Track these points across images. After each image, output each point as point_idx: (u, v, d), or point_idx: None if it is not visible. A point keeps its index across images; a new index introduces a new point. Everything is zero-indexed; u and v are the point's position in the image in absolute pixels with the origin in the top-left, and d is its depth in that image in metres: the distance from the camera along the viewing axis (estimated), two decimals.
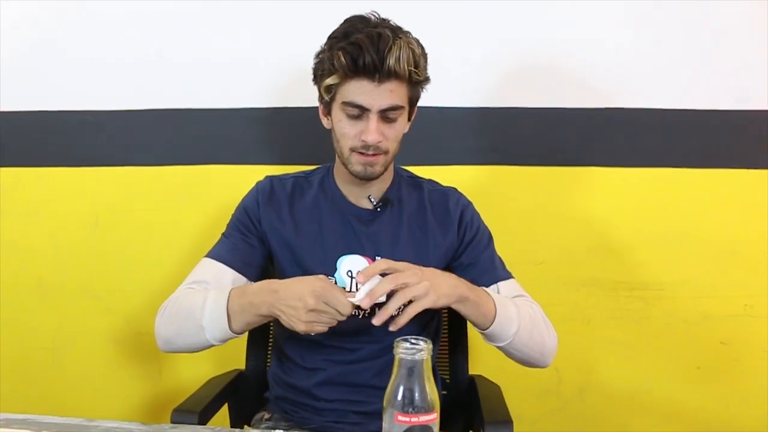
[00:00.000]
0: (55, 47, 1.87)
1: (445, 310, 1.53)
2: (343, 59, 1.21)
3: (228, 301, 1.21)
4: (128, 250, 1.93)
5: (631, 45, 1.77)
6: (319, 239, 1.36)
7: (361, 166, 1.30)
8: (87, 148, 1.91)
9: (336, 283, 1.32)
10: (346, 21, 1.28)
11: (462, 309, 1.21)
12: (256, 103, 1.84)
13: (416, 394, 0.83)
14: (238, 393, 1.45)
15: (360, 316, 1.32)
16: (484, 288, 1.31)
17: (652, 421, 1.87)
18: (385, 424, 0.84)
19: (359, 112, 1.26)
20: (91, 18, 1.86)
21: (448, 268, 1.42)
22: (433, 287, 1.14)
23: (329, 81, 1.26)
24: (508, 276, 1.42)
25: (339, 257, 1.34)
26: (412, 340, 0.84)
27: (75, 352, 1.98)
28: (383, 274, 1.14)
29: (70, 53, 1.87)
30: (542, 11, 1.76)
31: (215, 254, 1.37)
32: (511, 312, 1.27)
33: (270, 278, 1.26)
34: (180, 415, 1.24)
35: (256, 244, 1.38)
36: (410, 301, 1.13)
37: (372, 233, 1.37)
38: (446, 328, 1.57)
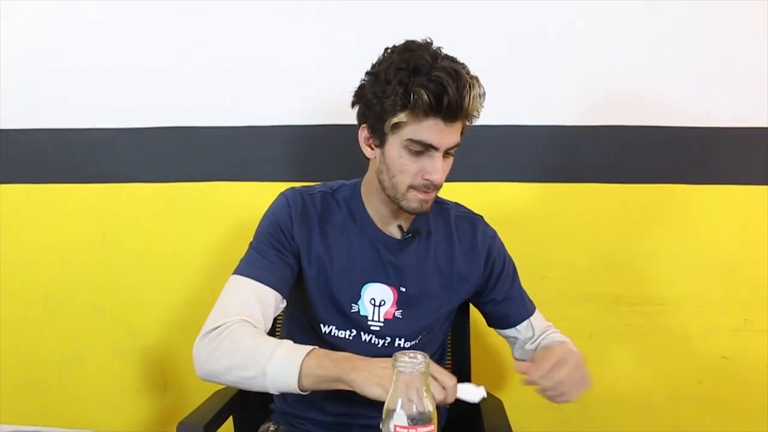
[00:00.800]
0: (64, 66, 1.90)
1: (449, 336, 1.56)
2: (425, 97, 1.16)
3: (307, 354, 1.13)
4: (134, 266, 1.96)
5: (632, 64, 1.79)
6: (347, 264, 1.33)
7: (418, 202, 1.26)
8: (95, 165, 1.93)
9: (359, 311, 1.33)
10: (408, 50, 1.21)
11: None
12: (264, 121, 1.86)
13: (414, 406, 0.85)
14: (243, 405, 1.46)
15: (379, 346, 1.35)
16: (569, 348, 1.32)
17: None
18: None
19: (424, 149, 1.22)
20: (101, 36, 1.89)
21: (475, 300, 1.47)
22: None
23: (398, 118, 1.19)
24: (534, 307, 1.47)
25: (364, 284, 1.34)
26: (411, 354, 0.86)
27: (81, 365, 2.00)
28: None
29: (79, 72, 1.90)
30: (546, 29, 1.79)
31: (253, 274, 1.28)
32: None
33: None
34: (185, 428, 1.25)
35: (292, 261, 1.32)
36: None
37: (399, 263, 1.35)
38: (450, 344, 1.58)
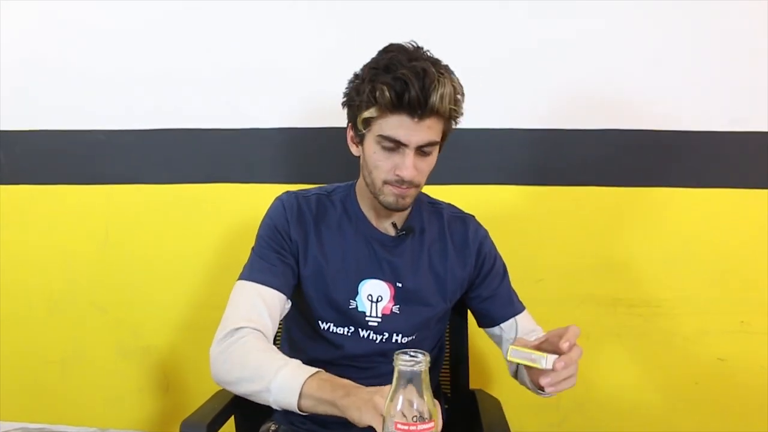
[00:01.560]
0: (67, 68, 1.92)
1: (448, 326, 1.57)
2: (387, 94, 1.20)
3: (309, 377, 1.13)
4: (137, 266, 1.97)
5: (629, 68, 1.80)
6: (342, 262, 1.37)
7: (394, 197, 1.29)
8: (98, 167, 1.95)
9: (357, 307, 1.35)
10: (387, 51, 1.26)
11: None
12: (267, 123, 1.88)
13: (415, 404, 0.86)
14: (244, 405, 1.47)
15: (377, 342, 1.36)
16: None
17: None
18: None
19: (395, 146, 1.25)
20: (104, 39, 1.91)
21: (464, 297, 1.47)
22: None
23: (368, 114, 1.24)
24: (523, 307, 1.48)
25: (361, 281, 1.36)
26: (411, 353, 0.88)
27: (84, 364, 2.02)
28: None
29: (82, 74, 1.92)
30: (542, 34, 1.81)
31: (257, 278, 1.32)
32: None
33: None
34: (189, 426, 1.27)
35: (292, 262, 1.36)
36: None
37: (393, 260, 1.38)
38: (448, 344, 1.60)
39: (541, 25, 1.81)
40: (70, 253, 1.99)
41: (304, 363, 1.18)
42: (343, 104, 1.32)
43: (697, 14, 1.78)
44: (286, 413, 1.41)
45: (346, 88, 1.31)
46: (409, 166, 1.25)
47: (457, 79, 1.27)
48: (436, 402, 0.90)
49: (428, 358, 0.88)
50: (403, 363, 0.87)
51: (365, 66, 1.27)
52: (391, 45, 1.28)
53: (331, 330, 1.37)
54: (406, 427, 0.85)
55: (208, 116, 1.90)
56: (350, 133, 1.34)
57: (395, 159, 1.26)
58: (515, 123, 1.84)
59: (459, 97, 1.26)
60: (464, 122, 1.78)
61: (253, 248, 1.40)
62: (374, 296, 1.36)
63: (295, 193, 1.42)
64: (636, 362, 1.88)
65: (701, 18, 1.78)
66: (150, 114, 1.92)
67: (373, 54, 1.29)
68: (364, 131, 1.28)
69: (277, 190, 1.47)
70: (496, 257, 1.47)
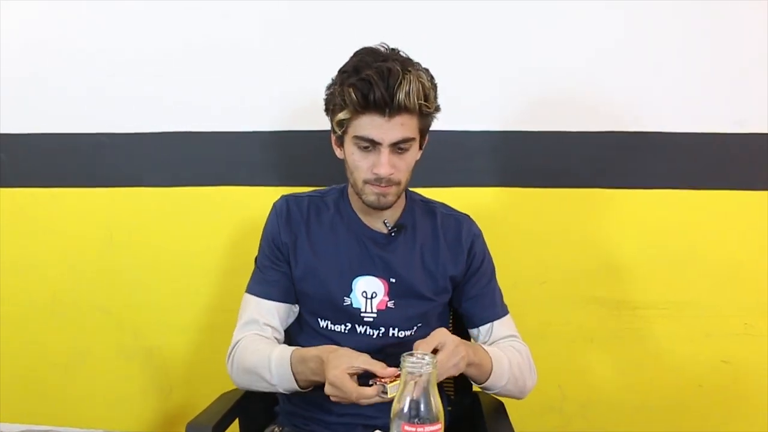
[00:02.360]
0: (70, 71, 1.92)
1: (450, 326, 1.57)
2: (353, 95, 1.23)
3: (291, 365, 1.28)
4: (140, 269, 1.97)
5: (632, 70, 1.80)
6: (335, 260, 1.40)
7: (375, 196, 1.32)
8: (102, 169, 1.95)
9: (351, 303, 1.38)
10: (356, 54, 1.30)
11: (468, 371, 1.27)
12: (269, 126, 1.89)
13: (422, 406, 0.86)
14: (248, 408, 1.48)
15: (374, 337, 1.38)
16: (482, 346, 1.36)
17: None
18: None
19: (371, 145, 1.28)
20: (107, 42, 1.91)
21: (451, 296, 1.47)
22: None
23: (341, 116, 1.28)
24: (504, 313, 1.47)
25: (354, 278, 1.39)
26: (419, 355, 0.88)
27: (87, 367, 2.01)
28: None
29: (86, 76, 1.92)
30: (548, 39, 1.81)
31: (256, 290, 1.43)
32: (503, 367, 1.33)
33: None
34: (194, 428, 1.28)
35: (286, 269, 1.42)
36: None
37: (386, 256, 1.40)
38: None
39: (543, 27, 1.81)
40: (74, 256, 1.99)
41: None
42: (324, 109, 1.36)
43: (700, 15, 1.78)
44: (289, 415, 1.44)
45: (324, 93, 1.34)
46: (385, 164, 1.27)
47: (428, 76, 1.29)
48: None
49: (435, 360, 0.88)
50: (411, 364, 0.87)
51: (338, 70, 1.31)
52: (362, 48, 1.31)
53: (328, 327, 1.40)
54: (413, 429, 0.86)
55: (211, 119, 1.90)
56: (333, 137, 1.38)
57: (372, 158, 1.29)
58: (517, 125, 1.84)
59: (429, 92, 1.28)
60: (465, 125, 1.82)
61: (255, 259, 1.48)
62: (368, 292, 1.38)
63: (287, 197, 1.47)
64: (640, 365, 1.88)
65: (704, 19, 1.78)
66: (153, 117, 1.91)
67: None
68: (341, 134, 1.32)
69: (281, 192, 1.50)
70: (485, 257, 1.48)
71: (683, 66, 1.80)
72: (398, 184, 1.32)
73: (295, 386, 1.28)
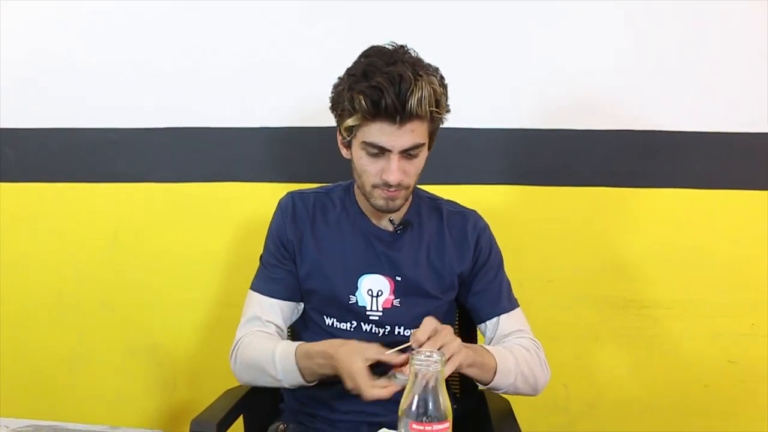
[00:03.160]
0: (76, 66, 1.92)
1: (457, 327, 1.57)
2: (363, 103, 1.21)
3: (296, 360, 1.28)
4: (145, 265, 1.97)
5: (639, 69, 1.80)
6: (341, 258, 1.39)
7: (383, 200, 1.31)
8: (107, 165, 1.95)
9: (357, 302, 1.37)
10: (365, 56, 1.28)
11: (469, 372, 1.25)
12: (275, 122, 1.88)
13: (430, 404, 0.86)
14: (253, 405, 1.48)
15: (380, 335, 1.37)
16: (484, 346, 1.34)
17: None
18: None
19: (380, 151, 1.26)
20: (113, 37, 1.91)
21: (458, 292, 1.46)
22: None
23: (349, 122, 1.26)
24: (512, 307, 1.45)
25: (360, 276, 1.38)
26: (427, 353, 0.88)
27: (92, 363, 2.02)
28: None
29: (92, 71, 1.92)
30: (556, 39, 1.80)
31: (261, 288, 1.42)
32: (509, 365, 1.31)
33: None
34: (198, 425, 1.27)
35: (292, 267, 1.42)
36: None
37: (392, 254, 1.39)
38: None
39: (543, 24, 1.80)
40: (79, 252, 1.99)
41: None
42: (330, 108, 1.34)
43: (706, 15, 1.78)
44: (294, 412, 1.44)
45: (331, 92, 1.33)
46: (395, 170, 1.26)
47: (439, 79, 1.27)
48: None
49: (444, 358, 0.88)
50: (419, 362, 0.87)
51: (346, 71, 1.29)
52: (370, 48, 1.29)
53: (334, 326, 1.40)
54: (421, 427, 0.85)
55: (217, 115, 1.90)
56: (339, 137, 1.36)
57: (381, 164, 1.28)
58: (525, 123, 1.83)
59: (441, 97, 1.27)
60: (473, 122, 1.81)
61: (261, 256, 1.47)
62: (374, 291, 1.38)
63: (293, 194, 1.46)
64: (646, 364, 1.88)
65: (711, 18, 1.78)
66: (160, 112, 1.91)
67: None
68: (349, 138, 1.31)
69: (286, 189, 1.50)
70: (491, 250, 1.46)
71: (690, 66, 1.79)
72: (407, 188, 1.32)
73: (300, 380, 1.28)
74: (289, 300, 1.42)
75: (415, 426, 0.85)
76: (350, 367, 1.16)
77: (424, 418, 0.85)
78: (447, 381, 1.46)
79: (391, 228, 1.41)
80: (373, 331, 1.38)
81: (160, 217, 1.96)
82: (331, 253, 1.40)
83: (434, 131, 1.32)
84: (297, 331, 1.49)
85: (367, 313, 1.38)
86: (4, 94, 1.94)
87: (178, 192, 1.93)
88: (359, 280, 1.38)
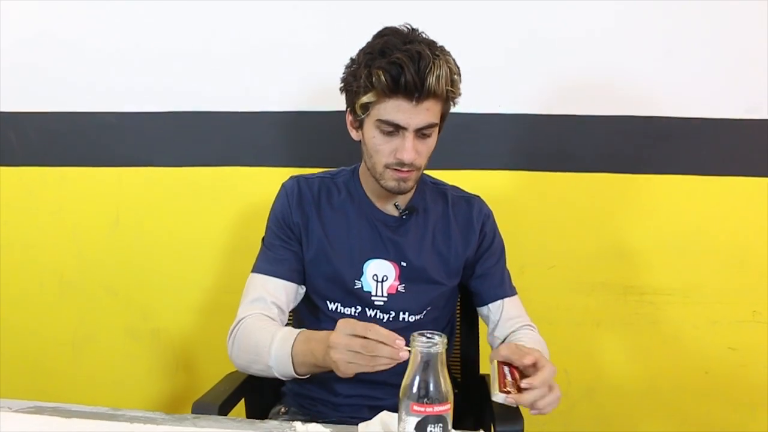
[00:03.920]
0: (79, 50, 1.92)
1: (458, 310, 1.57)
2: (383, 78, 1.20)
3: (293, 346, 1.20)
4: (147, 249, 1.98)
5: (643, 55, 1.79)
6: (346, 243, 1.39)
7: (395, 181, 1.30)
8: (109, 149, 1.95)
9: (362, 287, 1.37)
10: (381, 35, 1.27)
11: None
12: (278, 106, 1.88)
13: (431, 386, 0.86)
14: (254, 388, 1.48)
15: (384, 321, 1.37)
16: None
17: (659, 424, 1.90)
18: (401, 413, 0.88)
19: (395, 129, 1.26)
20: (116, 21, 1.90)
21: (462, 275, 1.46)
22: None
23: (365, 99, 1.25)
24: (513, 292, 1.47)
25: (365, 261, 1.38)
26: (428, 335, 0.88)
27: (94, 346, 2.03)
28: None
29: (94, 56, 1.91)
30: (559, 25, 1.79)
31: (264, 269, 1.39)
32: None
33: None
34: (200, 407, 1.27)
35: (297, 248, 1.40)
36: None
37: (397, 239, 1.39)
38: (458, 329, 1.60)
39: (554, 8, 1.79)
40: (81, 236, 1.99)
41: None
42: (341, 89, 1.33)
43: (712, 1, 1.76)
44: (296, 395, 1.44)
45: (343, 73, 1.32)
46: (409, 149, 1.25)
47: (453, 60, 1.27)
48: None
49: (445, 340, 0.88)
50: (420, 344, 0.87)
51: (360, 51, 1.28)
52: (385, 28, 1.28)
53: (338, 311, 1.39)
54: (422, 409, 0.86)
55: (219, 99, 1.89)
56: (349, 118, 1.35)
57: (395, 142, 1.27)
58: (528, 109, 1.83)
59: (455, 77, 1.27)
60: (476, 107, 1.81)
61: (263, 239, 1.44)
62: (379, 276, 1.38)
63: (298, 178, 1.45)
64: (646, 350, 1.88)
65: (716, 5, 1.76)
66: (161, 96, 1.91)
67: None
68: (362, 116, 1.29)
69: (289, 173, 1.49)
70: (495, 236, 1.47)
71: (695, 51, 1.78)
72: (419, 169, 1.31)
73: (291, 370, 1.21)
74: (292, 281, 1.39)
75: (416, 407, 0.86)
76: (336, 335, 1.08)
77: (426, 400, 0.86)
78: (448, 365, 1.47)
79: (396, 213, 1.41)
80: (378, 316, 1.38)
81: (163, 201, 1.96)
82: (336, 238, 1.39)
83: (446, 113, 1.32)
84: (300, 317, 1.49)
85: (372, 298, 1.37)
86: (6, 78, 1.94)
87: (179, 176, 1.93)
88: (365, 265, 1.38)
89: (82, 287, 2.00)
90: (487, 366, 1.59)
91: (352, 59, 1.30)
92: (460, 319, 1.60)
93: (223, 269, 1.95)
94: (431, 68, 1.20)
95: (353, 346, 1.04)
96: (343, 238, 1.39)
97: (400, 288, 1.38)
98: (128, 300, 2.00)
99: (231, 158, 1.91)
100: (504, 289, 1.45)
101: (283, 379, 1.26)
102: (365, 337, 1.04)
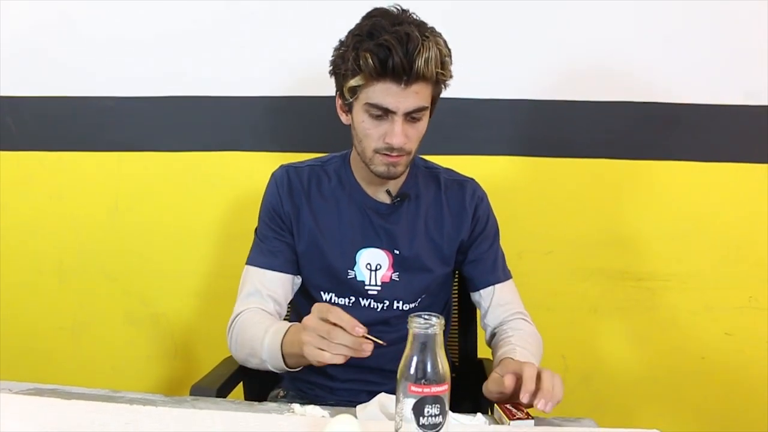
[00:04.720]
0: (77, 34, 1.91)
1: (455, 297, 1.58)
2: (370, 61, 1.18)
3: (283, 339, 1.19)
4: (146, 234, 1.98)
5: (642, 41, 1.79)
6: (338, 232, 1.38)
7: (385, 166, 1.28)
8: (108, 134, 1.94)
9: (355, 276, 1.36)
10: (369, 16, 1.25)
11: None
12: (274, 91, 1.87)
13: (428, 367, 0.87)
14: (253, 372, 1.48)
15: (378, 310, 1.37)
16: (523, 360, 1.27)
17: (656, 409, 1.91)
18: (399, 395, 0.88)
19: (384, 113, 1.24)
20: (114, 6, 1.89)
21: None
22: None
23: (353, 82, 1.23)
24: (506, 277, 1.45)
25: (358, 250, 1.37)
26: (425, 316, 0.88)
27: (93, 331, 2.03)
28: None
29: (93, 40, 1.91)
30: (560, 10, 1.79)
31: (258, 261, 1.39)
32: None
33: None
34: (198, 391, 1.28)
35: (289, 239, 1.39)
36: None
37: (390, 227, 1.38)
38: (456, 314, 1.60)
39: (560, 6, 1.79)
40: (80, 221, 1.99)
41: None
42: (330, 72, 1.31)
43: None
44: (293, 379, 1.45)
45: (332, 56, 1.30)
46: (399, 133, 1.24)
47: (444, 41, 1.25)
48: None
49: (442, 321, 0.88)
50: (417, 326, 0.88)
51: (349, 32, 1.26)
52: (374, 9, 1.26)
53: (332, 301, 1.38)
54: (419, 389, 0.86)
55: (218, 83, 1.89)
56: (339, 102, 1.33)
57: (384, 126, 1.25)
58: (527, 94, 1.83)
59: (446, 59, 1.25)
60: (475, 93, 1.80)
61: (256, 230, 1.44)
62: (373, 265, 1.37)
63: (287, 167, 1.43)
64: (643, 336, 1.89)
65: None
66: (160, 81, 1.90)
67: None
68: (351, 100, 1.27)
69: (287, 158, 1.49)
70: (489, 219, 1.46)
71: (694, 38, 1.78)
72: (409, 153, 1.30)
73: (281, 362, 1.20)
74: (287, 272, 1.39)
75: (413, 388, 0.86)
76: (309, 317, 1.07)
77: (423, 381, 0.86)
78: (447, 349, 1.48)
79: (388, 200, 1.39)
80: (372, 306, 1.38)
81: (161, 186, 1.95)
82: (328, 228, 1.38)
83: (437, 97, 1.30)
84: (296, 308, 1.49)
85: (366, 287, 1.37)
86: (5, 63, 1.93)
87: (179, 161, 1.93)
88: (357, 255, 1.37)
89: (81, 272, 2.00)
90: (485, 351, 1.60)
91: (340, 41, 1.28)
92: (457, 303, 1.60)
93: (223, 254, 1.95)
94: (420, 50, 1.18)
95: (320, 330, 1.02)
96: (334, 229, 1.38)
97: (394, 276, 1.37)
98: (127, 285, 2.00)
99: (231, 143, 1.91)
100: (496, 275, 1.44)
101: (277, 372, 1.26)
102: (335, 324, 1.01)
